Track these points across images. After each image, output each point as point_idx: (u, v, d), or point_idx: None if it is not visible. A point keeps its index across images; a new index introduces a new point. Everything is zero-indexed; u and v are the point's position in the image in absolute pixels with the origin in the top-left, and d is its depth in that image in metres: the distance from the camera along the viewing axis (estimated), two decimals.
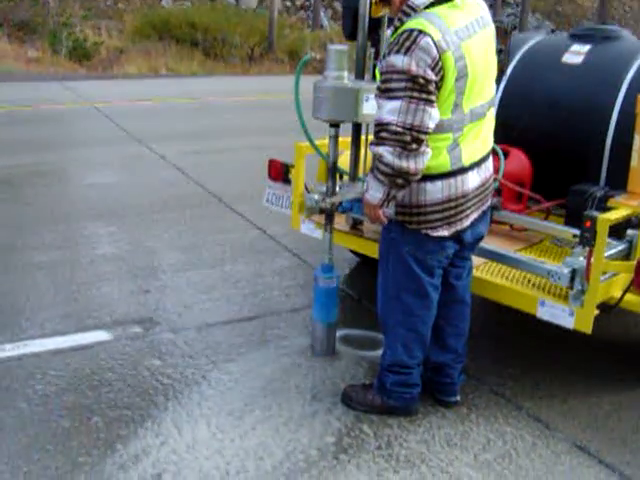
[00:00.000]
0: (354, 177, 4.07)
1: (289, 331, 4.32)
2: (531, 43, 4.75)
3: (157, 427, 3.32)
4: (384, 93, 2.94)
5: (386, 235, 3.32)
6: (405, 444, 3.28)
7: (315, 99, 3.63)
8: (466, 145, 3.09)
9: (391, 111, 2.89)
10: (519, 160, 4.34)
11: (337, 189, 3.86)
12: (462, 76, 2.95)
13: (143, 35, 20.43)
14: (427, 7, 2.96)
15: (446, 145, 3.03)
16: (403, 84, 2.86)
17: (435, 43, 2.85)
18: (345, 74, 3.62)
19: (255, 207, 6.12)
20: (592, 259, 3.29)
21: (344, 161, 4.18)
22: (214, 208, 6.80)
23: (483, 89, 3.11)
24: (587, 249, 3.33)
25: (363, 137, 4.04)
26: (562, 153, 4.27)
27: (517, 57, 4.67)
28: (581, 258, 3.39)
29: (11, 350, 3.96)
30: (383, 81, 2.96)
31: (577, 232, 3.55)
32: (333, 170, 3.79)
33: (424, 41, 2.85)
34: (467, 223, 3.21)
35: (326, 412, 3.48)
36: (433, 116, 2.90)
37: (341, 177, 4.27)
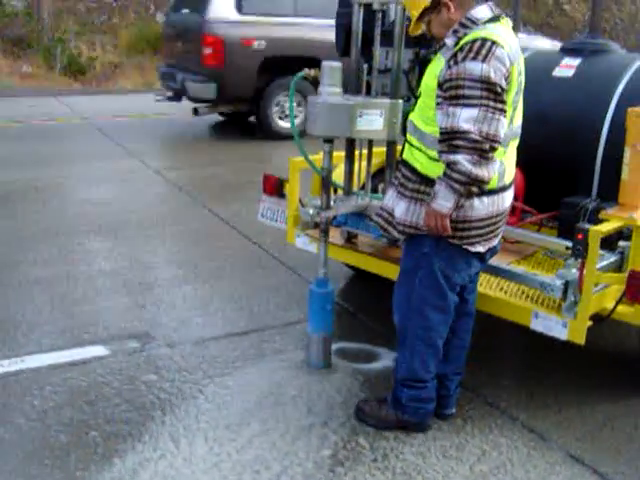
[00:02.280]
0: (348, 191, 4.11)
1: (285, 345, 4.34)
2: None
3: (154, 441, 3.34)
4: (456, 99, 2.91)
5: (416, 250, 3.27)
6: (401, 456, 3.30)
7: (309, 115, 3.66)
8: (507, 163, 3.15)
9: (468, 119, 2.87)
10: None
11: (332, 203, 3.89)
12: (519, 91, 3.03)
13: (137, 50, 20.47)
14: (484, 23, 3.01)
15: (499, 159, 3.05)
16: (479, 92, 2.87)
17: (507, 54, 2.91)
18: (339, 90, 3.65)
19: (250, 221, 6.15)
20: (584, 271, 3.32)
21: (338, 175, 4.22)
22: (210, 223, 6.83)
23: (522, 108, 3.18)
24: (579, 261, 3.36)
25: (357, 152, 4.09)
26: (554, 166, 4.31)
27: None
28: (574, 270, 3.42)
29: (8, 366, 3.97)
30: (454, 87, 2.92)
31: (570, 244, 3.59)
32: (327, 185, 3.82)
33: (499, 51, 2.89)
34: (496, 241, 3.28)
35: (322, 425, 3.50)
36: (505, 126, 2.93)
37: (335, 191, 4.30)
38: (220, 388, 3.81)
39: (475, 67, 2.87)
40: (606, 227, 3.48)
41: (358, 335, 4.45)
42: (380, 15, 3.85)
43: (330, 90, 3.63)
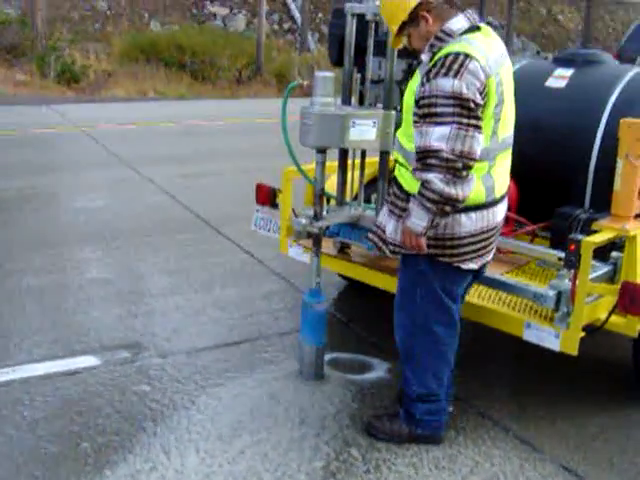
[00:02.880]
0: (341, 201, 4.10)
1: (277, 355, 4.32)
2: (515, 67, 4.80)
3: (146, 452, 3.31)
4: (428, 118, 2.88)
5: (412, 269, 3.24)
6: (393, 467, 3.29)
7: (302, 125, 3.65)
8: (497, 176, 3.10)
9: (440, 138, 2.83)
10: None
11: (324, 213, 3.88)
12: (500, 102, 2.97)
13: (131, 58, 20.46)
14: (461, 34, 2.96)
15: (481, 175, 3.01)
16: (451, 109, 2.82)
17: (482, 67, 2.86)
18: (331, 100, 3.65)
19: (243, 231, 6.13)
20: (577, 282, 3.32)
21: (331, 185, 4.22)
22: (202, 232, 6.81)
23: (511, 118, 3.14)
24: (572, 272, 3.36)
25: (350, 162, 4.09)
26: (547, 176, 4.31)
27: None
28: (566, 281, 3.42)
29: None
30: (426, 105, 2.89)
31: (562, 255, 3.59)
32: (320, 195, 3.81)
33: (473, 65, 2.85)
34: (490, 256, 3.26)
35: (314, 436, 3.48)
36: (480, 142, 2.87)
37: (328, 201, 4.30)
38: (212, 399, 3.79)
39: (446, 83, 2.83)
40: (599, 238, 3.49)
41: (351, 345, 4.44)
42: (373, 25, 3.85)
43: (323, 100, 3.62)
